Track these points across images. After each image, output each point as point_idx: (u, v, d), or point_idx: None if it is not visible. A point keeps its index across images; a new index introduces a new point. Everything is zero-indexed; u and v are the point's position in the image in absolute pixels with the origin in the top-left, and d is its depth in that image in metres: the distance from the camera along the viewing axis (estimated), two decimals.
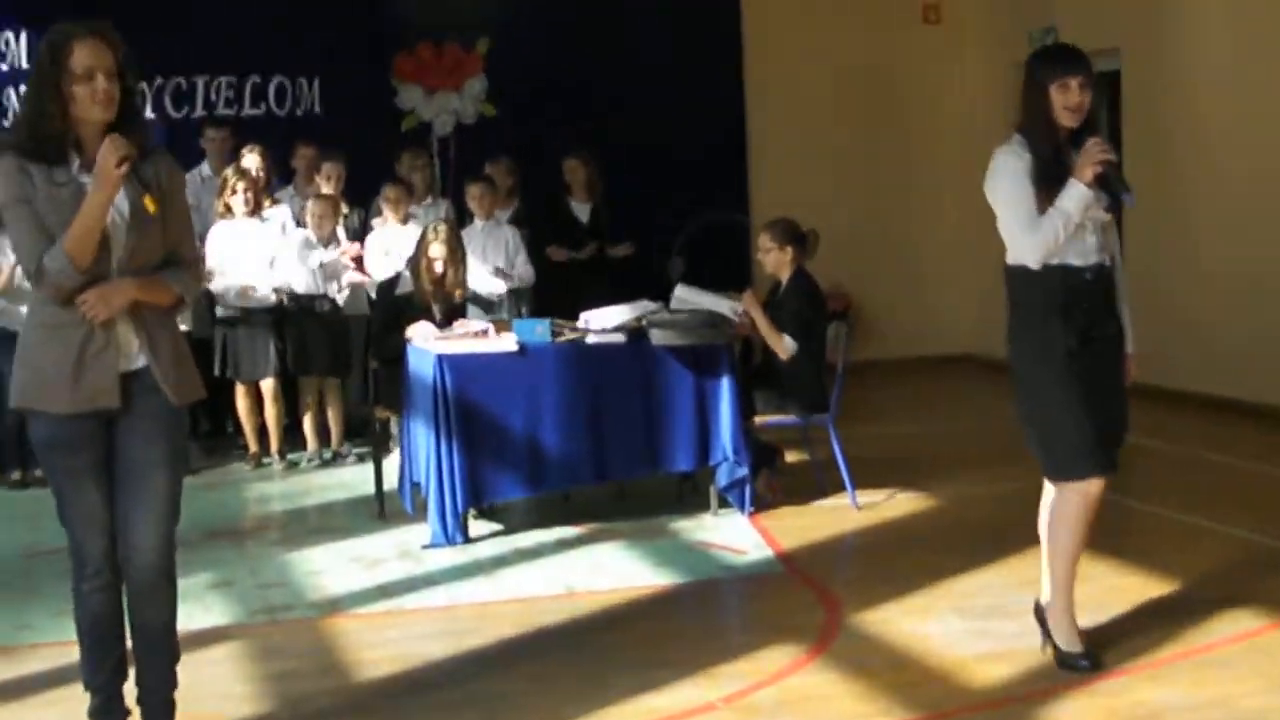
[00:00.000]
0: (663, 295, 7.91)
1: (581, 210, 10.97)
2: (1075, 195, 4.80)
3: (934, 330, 13.33)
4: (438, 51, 12.52)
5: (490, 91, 12.60)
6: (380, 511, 7.91)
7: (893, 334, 13.19)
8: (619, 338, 7.48)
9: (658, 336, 7.41)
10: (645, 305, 7.65)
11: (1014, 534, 6.75)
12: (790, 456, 8.37)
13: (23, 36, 11.22)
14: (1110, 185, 4.86)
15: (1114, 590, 5.99)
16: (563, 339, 7.47)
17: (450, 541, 7.14)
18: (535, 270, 10.27)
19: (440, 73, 12.52)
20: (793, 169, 12.97)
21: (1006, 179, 4.92)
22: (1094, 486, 5.01)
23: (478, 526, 7.47)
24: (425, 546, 7.14)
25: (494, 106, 12.59)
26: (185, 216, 4.46)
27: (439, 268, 8.17)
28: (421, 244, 8.29)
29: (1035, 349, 4.99)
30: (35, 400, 4.21)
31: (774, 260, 7.96)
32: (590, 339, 7.49)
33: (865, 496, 7.79)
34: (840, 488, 7.77)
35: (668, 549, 7.06)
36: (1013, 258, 4.99)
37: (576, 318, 7.69)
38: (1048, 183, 4.85)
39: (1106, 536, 5.92)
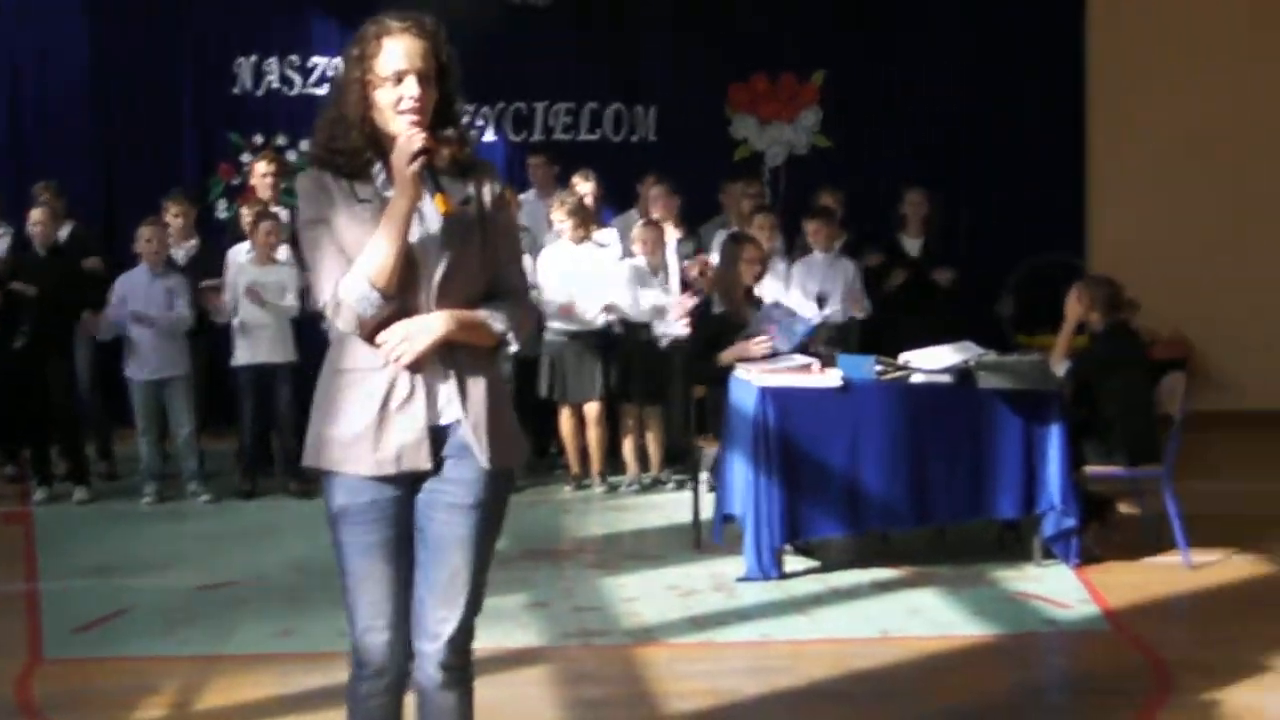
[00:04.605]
0: (991, 336, 7.71)
1: (912, 245, 10.82)
2: None
3: None
4: (773, 82, 12.53)
5: (824, 123, 12.55)
6: (696, 541, 7.90)
7: (1240, 385, 12.53)
8: (945, 379, 7.31)
9: (986, 379, 7.22)
10: (970, 347, 7.46)
11: None
12: (1120, 509, 8.02)
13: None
14: None
15: None
16: (888, 377, 7.34)
17: (765, 576, 7.07)
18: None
19: (775, 103, 12.53)
20: (1135, 212, 12.53)
21: None
22: None
23: (793, 562, 7.38)
24: (740, 579, 7.09)
25: (828, 138, 12.53)
26: (512, 239, 3.72)
27: (750, 281, 8.21)
28: (730, 260, 8.33)
29: None
30: (331, 459, 3.50)
31: (1069, 308, 7.83)
32: (915, 379, 7.34)
33: (1200, 556, 7.41)
34: (1173, 545, 7.41)
35: (988, 598, 6.84)
36: None
37: (898, 354, 7.55)
38: None
39: None
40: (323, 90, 11.92)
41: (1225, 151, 12.63)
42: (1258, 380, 12.58)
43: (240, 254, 9.53)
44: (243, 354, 9.42)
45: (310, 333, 9.37)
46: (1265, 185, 12.66)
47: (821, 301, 9.69)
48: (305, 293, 9.32)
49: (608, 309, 9.38)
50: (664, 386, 9.54)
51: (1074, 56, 12.75)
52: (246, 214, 9.76)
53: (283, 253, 9.50)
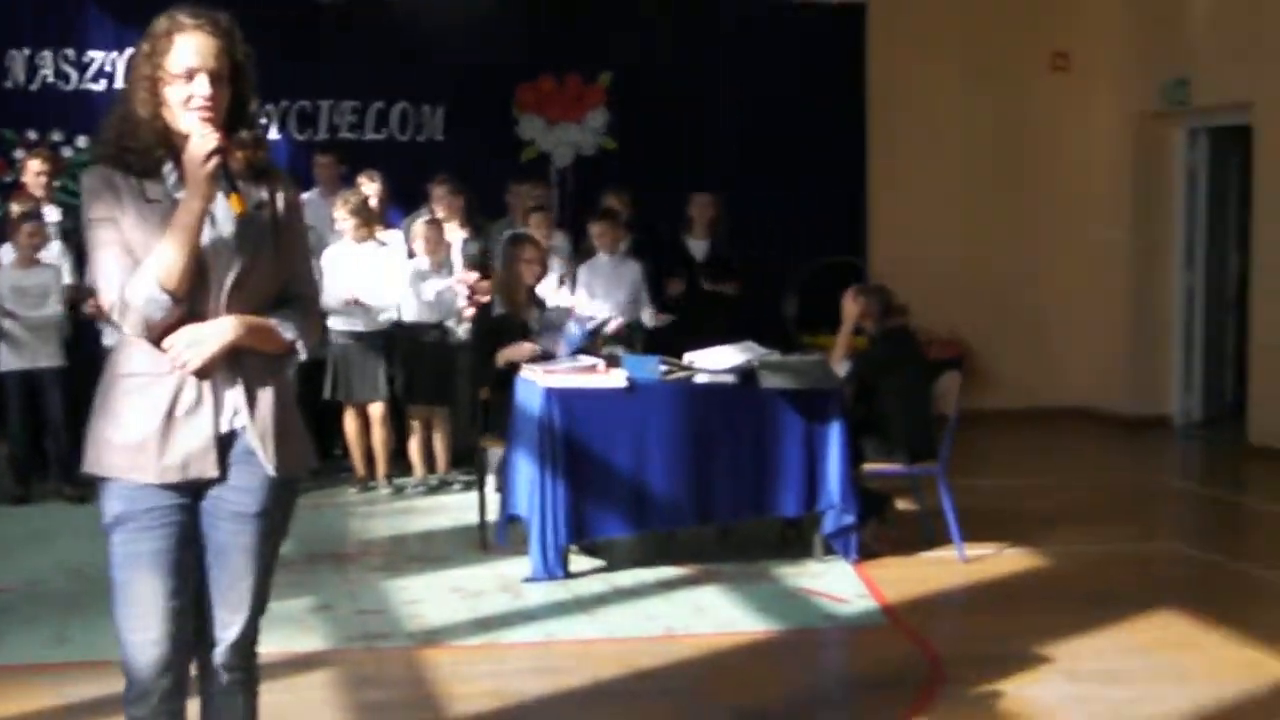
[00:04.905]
0: (775, 336, 7.83)
1: (698, 247, 10.94)
2: None
3: (1051, 382, 13.06)
4: (560, 83, 12.55)
5: (611, 125, 12.60)
6: (482, 542, 7.88)
7: (1009, 385, 12.94)
8: (729, 379, 7.41)
9: (768, 379, 7.33)
10: (753, 348, 7.58)
11: (1126, 596, 6.66)
12: (898, 505, 8.22)
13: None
14: None
15: (1226, 662, 5.82)
16: (672, 377, 7.41)
17: (551, 576, 7.09)
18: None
19: (562, 105, 12.54)
20: (913, 215, 12.88)
21: None
22: None
23: (579, 562, 7.41)
24: (525, 580, 7.10)
25: (614, 140, 12.59)
26: (303, 245, 3.68)
27: (531, 281, 8.24)
28: (509, 261, 8.32)
29: None
30: (114, 466, 3.39)
31: (846, 308, 7.98)
32: (700, 379, 7.42)
33: (973, 550, 7.63)
34: (948, 539, 7.62)
35: (770, 594, 6.95)
36: None
37: (682, 354, 7.64)
38: None
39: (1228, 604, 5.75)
40: (99, 86, 11.55)
41: (996, 163, 13.05)
42: (1027, 379, 13.02)
43: (6, 254, 9.24)
44: (8, 360, 9.12)
45: (81, 334, 9.17)
46: (1032, 197, 13.11)
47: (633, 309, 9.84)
48: (79, 292, 9.11)
49: (348, 303, 9.25)
50: (450, 387, 9.50)
51: (855, 66, 12.97)
52: (16, 211, 9.46)
53: (51, 253, 9.24)
